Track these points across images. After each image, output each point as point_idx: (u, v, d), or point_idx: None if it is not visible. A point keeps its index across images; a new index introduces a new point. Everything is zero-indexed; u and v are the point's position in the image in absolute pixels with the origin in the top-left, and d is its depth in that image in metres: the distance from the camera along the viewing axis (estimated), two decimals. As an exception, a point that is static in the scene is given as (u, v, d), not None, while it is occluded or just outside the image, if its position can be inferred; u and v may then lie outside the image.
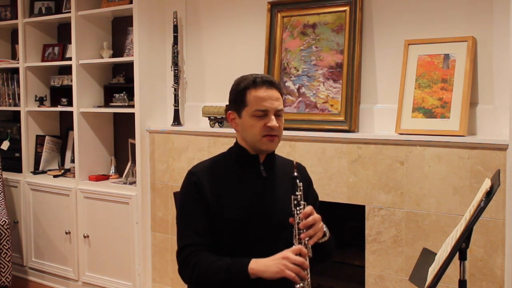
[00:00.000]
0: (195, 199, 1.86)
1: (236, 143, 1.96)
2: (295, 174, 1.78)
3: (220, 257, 1.79)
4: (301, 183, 1.78)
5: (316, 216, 1.76)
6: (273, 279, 1.70)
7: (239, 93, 1.87)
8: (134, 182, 3.70)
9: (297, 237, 1.74)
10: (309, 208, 1.76)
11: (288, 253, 1.70)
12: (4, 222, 3.64)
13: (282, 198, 1.83)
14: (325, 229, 1.85)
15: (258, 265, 1.70)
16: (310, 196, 1.97)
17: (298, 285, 1.67)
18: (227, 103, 3.40)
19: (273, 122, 1.83)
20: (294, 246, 1.72)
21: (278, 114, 1.86)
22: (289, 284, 1.69)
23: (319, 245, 1.80)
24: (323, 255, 1.88)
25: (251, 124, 1.85)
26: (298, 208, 1.76)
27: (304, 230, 1.73)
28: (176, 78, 3.56)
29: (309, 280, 1.70)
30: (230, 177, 1.91)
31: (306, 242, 1.73)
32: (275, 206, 1.88)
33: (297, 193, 1.77)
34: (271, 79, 1.89)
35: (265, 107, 1.83)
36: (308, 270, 1.70)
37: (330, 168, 2.85)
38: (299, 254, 1.69)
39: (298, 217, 1.75)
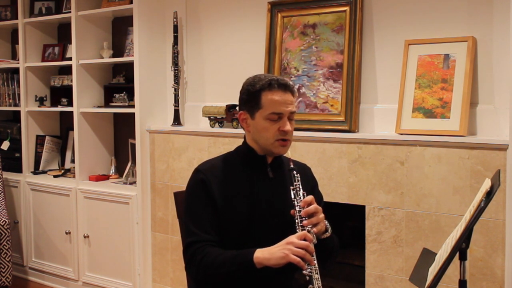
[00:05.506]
0: (201, 196, 1.86)
1: (245, 143, 1.96)
2: (291, 166, 1.83)
3: (226, 250, 1.79)
4: (298, 174, 1.82)
5: (317, 205, 1.78)
6: (279, 268, 1.70)
7: (254, 94, 1.86)
8: (134, 182, 3.70)
9: (299, 225, 1.75)
10: (309, 197, 1.78)
11: (292, 238, 1.70)
12: (4, 222, 3.64)
13: (288, 198, 1.83)
14: (327, 224, 1.85)
15: (263, 253, 1.71)
16: (316, 197, 1.97)
17: (305, 271, 1.67)
18: (228, 103, 3.41)
19: (287, 126, 1.85)
20: (298, 232, 1.73)
21: (290, 117, 1.87)
22: (295, 272, 1.68)
23: (321, 242, 1.80)
24: (326, 253, 1.87)
25: (265, 127, 1.85)
26: (297, 198, 1.78)
27: (306, 218, 1.75)
28: (176, 78, 3.56)
29: (316, 266, 1.69)
30: (237, 176, 1.91)
31: (309, 229, 1.73)
32: (281, 206, 1.88)
33: (295, 183, 1.81)
34: (287, 82, 1.87)
35: (280, 111, 1.84)
36: (315, 255, 1.70)
37: (330, 168, 2.85)
38: (304, 239, 1.69)
39: (298, 206, 1.77)
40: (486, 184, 1.59)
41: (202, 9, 3.59)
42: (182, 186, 2.92)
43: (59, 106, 4.17)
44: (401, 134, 2.67)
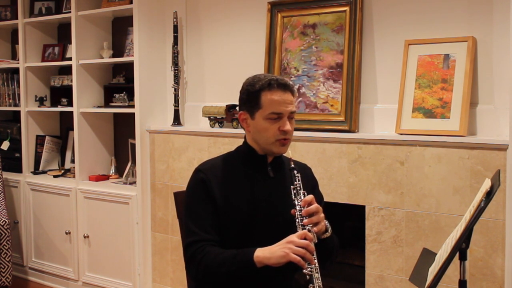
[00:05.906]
0: (202, 196, 1.86)
1: (245, 143, 1.96)
2: (292, 165, 1.83)
3: (226, 250, 1.79)
4: (298, 174, 1.82)
5: (318, 205, 1.78)
6: (279, 267, 1.70)
7: (253, 94, 1.86)
8: (134, 182, 3.70)
9: (300, 224, 1.75)
10: (309, 197, 1.78)
11: (292, 237, 1.70)
12: (4, 222, 3.64)
13: (288, 198, 1.83)
14: (327, 224, 1.85)
15: (264, 253, 1.71)
16: (316, 197, 1.97)
17: (305, 270, 1.67)
18: (228, 103, 3.41)
19: (287, 126, 1.85)
20: (299, 231, 1.73)
21: (290, 116, 1.87)
22: (296, 271, 1.68)
23: (321, 242, 1.80)
24: (326, 253, 1.87)
25: (265, 127, 1.85)
26: (298, 197, 1.78)
27: (307, 218, 1.75)
28: (176, 78, 3.56)
29: (316, 265, 1.69)
30: (237, 176, 1.91)
31: (310, 228, 1.73)
32: (281, 206, 1.88)
33: (295, 183, 1.81)
34: (286, 82, 1.87)
35: (280, 111, 1.84)
36: (315, 254, 1.70)
37: (330, 168, 2.85)
38: (304, 239, 1.69)
39: (299, 205, 1.77)
40: (486, 184, 1.59)
41: (202, 9, 3.59)
42: (182, 186, 2.93)
43: (59, 106, 4.17)
44: (401, 134, 2.67)
